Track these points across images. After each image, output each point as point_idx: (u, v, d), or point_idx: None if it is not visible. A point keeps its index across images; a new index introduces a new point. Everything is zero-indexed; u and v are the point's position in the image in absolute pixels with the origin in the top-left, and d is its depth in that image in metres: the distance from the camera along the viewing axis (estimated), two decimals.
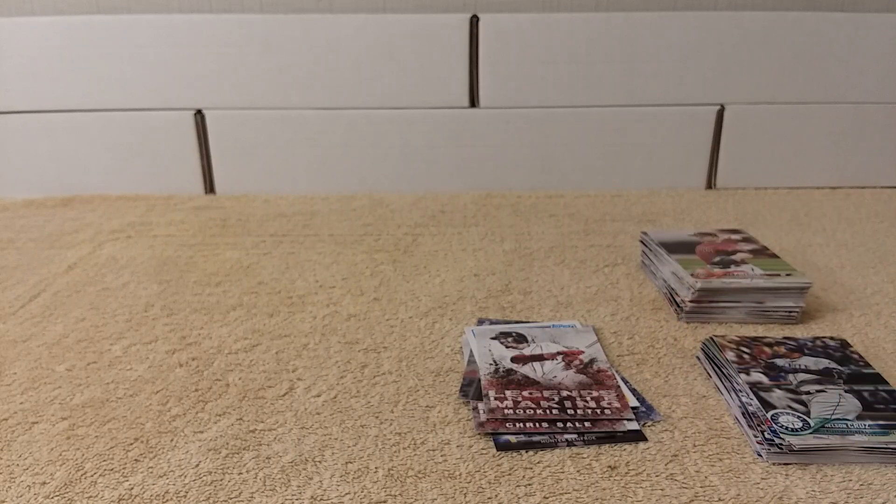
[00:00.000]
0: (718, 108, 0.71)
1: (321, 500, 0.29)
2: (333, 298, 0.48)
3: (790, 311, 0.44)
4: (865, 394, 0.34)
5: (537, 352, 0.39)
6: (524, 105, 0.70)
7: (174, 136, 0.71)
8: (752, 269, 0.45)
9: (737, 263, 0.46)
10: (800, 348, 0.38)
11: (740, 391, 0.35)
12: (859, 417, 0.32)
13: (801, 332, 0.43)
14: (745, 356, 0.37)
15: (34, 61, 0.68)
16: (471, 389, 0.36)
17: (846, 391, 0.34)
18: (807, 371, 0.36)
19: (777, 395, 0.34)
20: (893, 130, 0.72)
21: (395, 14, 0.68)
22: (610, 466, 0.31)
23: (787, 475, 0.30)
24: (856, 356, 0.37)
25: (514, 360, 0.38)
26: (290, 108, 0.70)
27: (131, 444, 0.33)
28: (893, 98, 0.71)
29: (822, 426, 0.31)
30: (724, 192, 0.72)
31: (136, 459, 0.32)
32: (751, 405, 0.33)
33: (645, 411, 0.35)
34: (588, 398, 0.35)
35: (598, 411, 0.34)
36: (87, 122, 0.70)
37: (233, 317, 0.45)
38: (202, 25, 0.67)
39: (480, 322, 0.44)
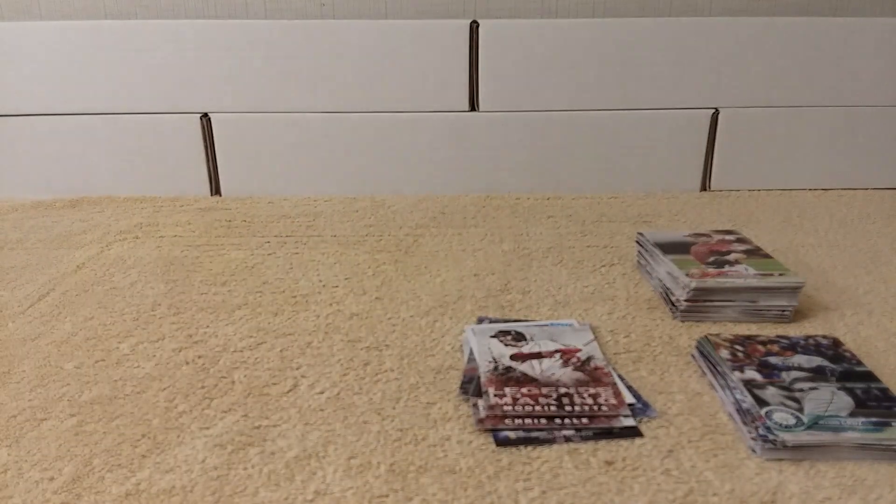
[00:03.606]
0: (713, 111, 0.72)
1: (324, 494, 0.30)
2: (336, 298, 0.49)
3: (783, 310, 0.44)
4: (858, 391, 0.34)
5: (536, 350, 0.40)
6: (523, 109, 0.71)
7: (181, 139, 0.71)
8: (746, 269, 0.45)
9: (731, 263, 0.46)
10: (793, 346, 0.39)
11: (734, 388, 0.35)
12: (852, 414, 0.33)
13: (793, 330, 0.44)
14: (739, 354, 0.38)
15: (43, 65, 0.69)
16: (471, 386, 0.37)
17: (839, 388, 0.35)
18: (800, 369, 0.36)
19: (770, 393, 0.34)
20: (885, 133, 0.73)
21: (397, 20, 0.69)
22: (607, 462, 0.31)
23: (780, 471, 0.31)
24: (848, 354, 0.38)
25: (513, 357, 0.39)
26: (294, 112, 0.71)
27: (138, 440, 0.34)
28: (885, 101, 0.72)
29: (816, 423, 0.32)
30: (718, 193, 0.73)
31: (143, 455, 0.32)
32: (745, 402, 0.34)
33: (641, 408, 0.35)
34: (585, 395, 0.36)
35: (595, 408, 0.35)
36: (95, 125, 0.71)
37: (238, 315, 0.46)
38: (208, 31, 0.68)
39: (480, 321, 0.45)
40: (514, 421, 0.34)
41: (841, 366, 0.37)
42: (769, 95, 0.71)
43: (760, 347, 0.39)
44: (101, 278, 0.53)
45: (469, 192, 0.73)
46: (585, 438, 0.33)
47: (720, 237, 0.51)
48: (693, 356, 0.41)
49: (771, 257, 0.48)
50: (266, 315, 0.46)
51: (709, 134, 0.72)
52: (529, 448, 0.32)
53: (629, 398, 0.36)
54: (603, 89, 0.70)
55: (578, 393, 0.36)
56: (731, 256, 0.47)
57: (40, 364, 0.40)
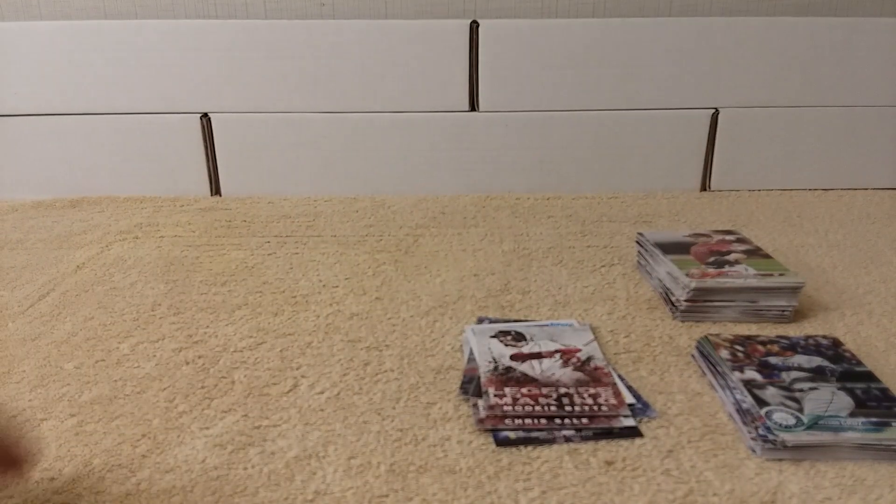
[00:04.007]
0: (713, 111, 0.72)
1: (324, 494, 0.30)
2: (336, 298, 0.49)
3: (783, 311, 0.45)
4: (858, 391, 0.34)
5: (535, 350, 0.40)
6: (523, 109, 0.71)
7: (181, 139, 0.72)
8: (746, 269, 0.45)
9: (731, 264, 0.46)
10: (793, 347, 0.39)
11: (734, 388, 0.35)
12: (852, 415, 0.33)
13: (793, 330, 0.44)
14: (739, 354, 0.38)
15: (42, 65, 0.69)
16: (471, 387, 0.37)
17: (839, 389, 0.35)
18: (800, 369, 0.37)
19: (770, 393, 0.34)
20: (885, 133, 0.73)
21: (397, 20, 0.69)
22: (607, 462, 0.31)
23: (780, 471, 0.31)
24: (848, 354, 0.38)
25: (513, 357, 0.39)
26: (294, 112, 0.71)
27: (139, 440, 0.34)
28: (885, 101, 0.72)
29: (816, 423, 0.32)
30: (718, 193, 0.73)
31: (143, 455, 0.32)
32: (745, 402, 0.34)
33: (641, 408, 0.35)
34: (585, 395, 0.36)
35: (595, 408, 0.35)
36: (95, 125, 0.71)
37: (238, 315, 0.46)
38: (208, 31, 0.68)
39: (480, 321, 0.45)
40: (514, 421, 0.34)
41: (841, 366, 0.37)
42: (769, 95, 0.71)
43: (760, 347, 0.39)
44: (101, 278, 0.53)
45: (469, 192, 0.73)
46: (585, 438, 0.33)
47: (720, 237, 0.52)
48: (693, 356, 0.41)
49: (771, 257, 0.48)
50: (266, 315, 0.46)
51: (709, 134, 0.72)
52: (529, 448, 0.32)
53: (629, 398, 0.36)
54: (603, 89, 0.70)
55: (578, 393, 0.36)
56: (731, 256, 0.47)
57: (40, 364, 0.40)
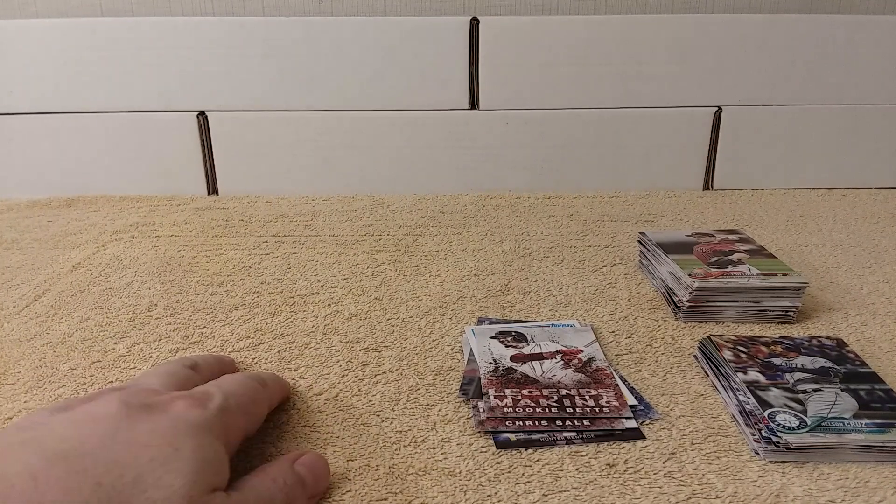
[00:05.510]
0: (716, 109, 0.71)
1: (323, 497, 0.29)
2: (335, 298, 0.48)
3: (787, 311, 0.44)
4: (862, 393, 0.34)
5: (536, 351, 0.40)
6: (524, 107, 0.70)
7: (177, 138, 0.71)
8: (749, 269, 0.45)
9: (734, 263, 0.46)
10: (796, 347, 0.39)
11: (737, 390, 0.35)
12: (856, 416, 0.32)
13: (797, 331, 0.43)
14: (743, 355, 0.38)
15: (37, 63, 0.69)
16: (471, 388, 0.36)
17: (843, 390, 0.34)
18: (803, 370, 0.36)
19: (774, 394, 0.34)
20: (890, 131, 0.72)
21: (396, 17, 0.68)
22: (608, 464, 0.31)
23: (784, 473, 0.30)
24: (852, 355, 0.38)
25: (513, 358, 0.39)
26: (292, 110, 0.71)
27: None
28: (890, 99, 0.71)
29: (819, 424, 0.32)
30: (721, 192, 0.72)
31: None
32: (748, 404, 0.34)
33: (643, 410, 0.35)
34: (587, 397, 0.35)
35: (597, 409, 0.34)
36: (90, 124, 0.71)
37: (235, 316, 0.46)
38: (205, 28, 0.68)
39: (480, 321, 0.44)
40: (514, 423, 0.33)
41: (845, 367, 0.37)
42: (773, 94, 0.71)
43: (764, 348, 0.38)
44: (96, 278, 0.52)
45: (469, 191, 0.73)
46: (587, 441, 0.33)
47: (723, 237, 0.51)
48: (696, 357, 0.40)
49: (774, 257, 0.47)
50: (264, 316, 0.46)
51: (711, 132, 0.72)
52: (530, 450, 0.32)
53: (631, 400, 0.36)
54: (604, 87, 0.70)
55: (580, 394, 0.35)
56: (735, 256, 0.47)
57: (36, 365, 0.40)
